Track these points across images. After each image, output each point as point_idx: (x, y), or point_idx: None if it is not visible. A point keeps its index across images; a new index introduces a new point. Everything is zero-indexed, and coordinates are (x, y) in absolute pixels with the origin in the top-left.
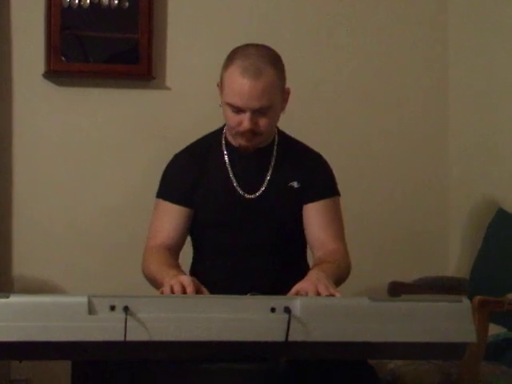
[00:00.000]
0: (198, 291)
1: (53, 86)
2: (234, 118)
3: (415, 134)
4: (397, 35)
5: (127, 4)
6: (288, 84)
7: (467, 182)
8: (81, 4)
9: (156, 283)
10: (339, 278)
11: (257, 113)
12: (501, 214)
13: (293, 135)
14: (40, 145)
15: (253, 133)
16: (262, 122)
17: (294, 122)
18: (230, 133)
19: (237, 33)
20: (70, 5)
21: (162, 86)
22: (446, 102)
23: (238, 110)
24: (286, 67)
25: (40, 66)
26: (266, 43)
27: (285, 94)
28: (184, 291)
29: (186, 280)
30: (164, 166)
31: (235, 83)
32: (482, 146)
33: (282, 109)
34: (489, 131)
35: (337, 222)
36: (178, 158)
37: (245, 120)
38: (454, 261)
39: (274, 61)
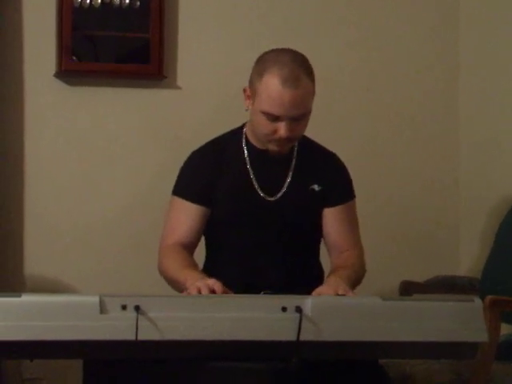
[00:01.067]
0: (225, 293)
1: (64, 86)
2: (268, 126)
3: (426, 132)
4: (408, 33)
5: (138, 3)
6: None
7: (479, 180)
8: (92, 4)
9: (176, 283)
10: (356, 282)
11: (293, 120)
12: None
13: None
14: (51, 144)
15: (289, 140)
16: (298, 129)
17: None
18: (258, 137)
19: (247, 32)
20: (82, 4)
21: (173, 86)
22: (456, 98)
23: (275, 119)
24: None
25: (51, 65)
26: (277, 42)
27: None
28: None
29: (214, 283)
30: (175, 165)
31: (274, 92)
32: (493, 143)
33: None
34: (500, 127)
35: (354, 225)
36: (195, 155)
37: (281, 128)
38: (466, 260)
39: (308, 68)
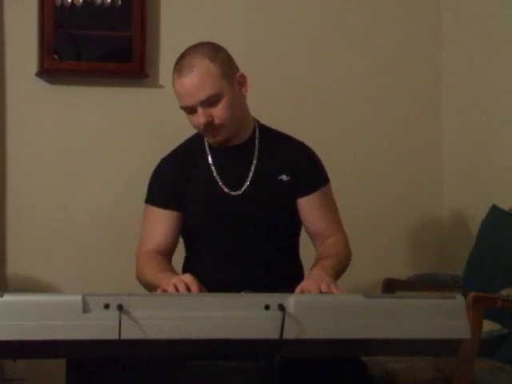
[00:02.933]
0: (200, 289)
1: (46, 85)
2: (192, 120)
3: (409, 132)
4: (390, 40)
5: (120, 2)
6: (283, 85)
7: (461, 179)
8: (74, 2)
9: (153, 288)
10: (341, 271)
11: (206, 105)
12: (494, 210)
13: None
14: (33, 143)
15: (213, 126)
16: (216, 113)
17: (289, 122)
18: (202, 134)
19: (230, 31)
20: (63, 3)
21: (155, 84)
22: (438, 100)
23: (191, 111)
24: (281, 69)
25: (33, 64)
26: (261, 43)
27: (236, 79)
28: (188, 290)
29: (189, 279)
30: (157, 164)
31: (176, 86)
32: (475, 143)
33: (241, 96)
34: (482, 128)
35: (333, 209)
36: (163, 162)
37: (199, 117)
38: (448, 257)
39: (210, 52)
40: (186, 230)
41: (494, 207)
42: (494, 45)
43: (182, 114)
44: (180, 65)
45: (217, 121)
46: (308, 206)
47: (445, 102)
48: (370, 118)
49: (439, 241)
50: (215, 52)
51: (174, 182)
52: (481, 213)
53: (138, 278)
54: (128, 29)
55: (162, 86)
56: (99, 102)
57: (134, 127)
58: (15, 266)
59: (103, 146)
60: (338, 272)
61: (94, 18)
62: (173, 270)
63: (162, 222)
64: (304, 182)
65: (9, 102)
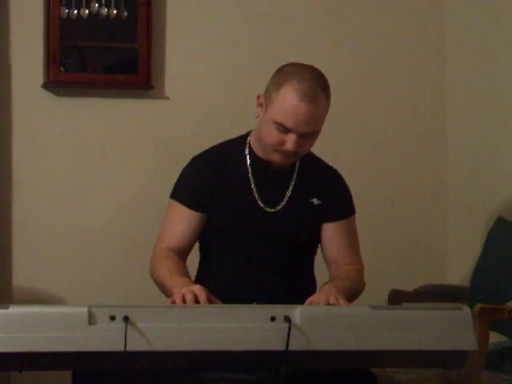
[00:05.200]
0: (209, 300)
1: (52, 97)
2: (277, 137)
3: (414, 144)
4: (394, 41)
5: (126, 14)
6: None
7: (467, 190)
8: (79, 14)
9: (165, 289)
10: (352, 294)
11: (303, 136)
12: (500, 222)
13: None
14: (39, 155)
15: (294, 154)
16: (305, 145)
17: None
18: (263, 147)
19: (235, 43)
20: (69, 15)
21: (160, 96)
22: (444, 113)
23: (285, 131)
24: None
25: (39, 76)
26: (264, 52)
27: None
28: (196, 300)
29: (198, 289)
30: (163, 175)
31: (290, 105)
32: (481, 154)
33: None
34: (488, 139)
35: (354, 241)
36: (197, 160)
37: (290, 141)
38: (454, 269)
39: (326, 86)
40: (207, 234)
41: (501, 219)
42: (500, 42)
43: (188, 125)
44: (300, 86)
45: (300, 152)
46: (331, 233)
47: (450, 111)
48: (372, 130)
49: (445, 252)
50: (328, 88)
51: (206, 183)
52: (487, 224)
53: (152, 274)
54: (134, 40)
55: (167, 98)
56: (105, 114)
57: (139, 139)
58: (21, 277)
59: (109, 158)
60: (349, 295)
61: (99, 29)
62: (187, 273)
63: (185, 221)
64: (332, 208)
65: (15, 113)
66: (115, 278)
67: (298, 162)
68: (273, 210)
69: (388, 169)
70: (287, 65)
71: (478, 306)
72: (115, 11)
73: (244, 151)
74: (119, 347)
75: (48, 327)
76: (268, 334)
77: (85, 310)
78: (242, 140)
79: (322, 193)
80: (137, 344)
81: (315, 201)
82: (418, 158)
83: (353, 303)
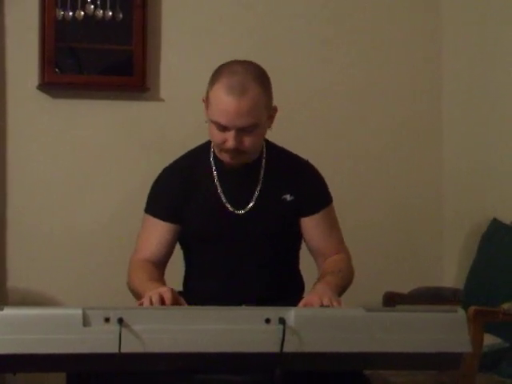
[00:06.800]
0: (175, 301)
1: (47, 98)
2: (218, 136)
3: (409, 146)
4: (390, 38)
5: (121, 16)
6: (280, 87)
7: (461, 192)
8: (75, 16)
9: (138, 296)
10: (344, 287)
11: (242, 131)
12: (495, 224)
13: (284, 139)
14: (34, 157)
15: (238, 151)
16: (247, 141)
17: (285, 126)
18: (215, 149)
19: (230, 44)
20: (64, 17)
21: (156, 98)
22: (439, 116)
23: (223, 129)
24: (279, 72)
25: (34, 78)
26: (259, 54)
27: (271, 112)
28: (162, 301)
29: (164, 291)
30: None
31: (220, 101)
32: (476, 157)
33: (269, 126)
34: (483, 141)
35: (336, 229)
36: (165, 173)
37: (230, 139)
38: (449, 271)
39: (260, 78)
40: (185, 243)
41: (495, 221)
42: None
43: (183, 127)
44: (230, 81)
45: (244, 148)
46: (311, 226)
47: (446, 113)
48: (369, 133)
49: (440, 254)
50: (266, 79)
51: (176, 194)
52: (482, 226)
53: (128, 284)
54: (129, 42)
55: (162, 100)
56: (100, 116)
57: (134, 140)
58: (16, 279)
59: (104, 159)
60: (342, 288)
61: (95, 31)
62: (161, 280)
63: (159, 233)
64: (307, 202)
65: (10, 115)
66: (110, 279)
67: (263, 159)
68: (242, 212)
69: (383, 171)
70: (224, 63)
71: (473, 308)
72: (110, 13)
73: (209, 157)
74: (113, 349)
75: (43, 329)
76: (262, 336)
77: (79, 311)
78: (205, 146)
79: (293, 188)
80: (131, 346)
81: (288, 197)
82: (413, 161)
83: (348, 304)
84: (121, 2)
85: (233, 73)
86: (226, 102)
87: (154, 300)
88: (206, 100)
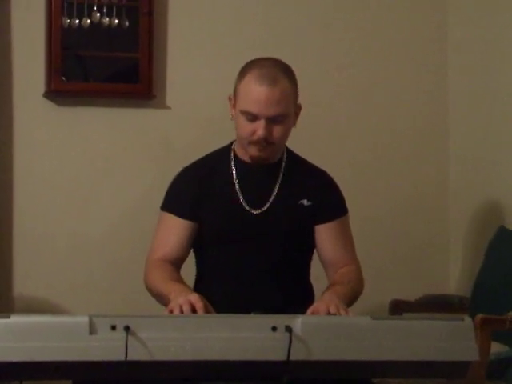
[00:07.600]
0: (206, 310)
1: (53, 106)
2: (248, 127)
3: (415, 149)
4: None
5: (127, 23)
6: None
7: (468, 199)
8: (81, 24)
9: (160, 296)
10: (352, 299)
11: (271, 121)
12: (502, 231)
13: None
14: (40, 164)
15: (266, 142)
16: (276, 131)
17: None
18: (241, 144)
19: (236, 52)
20: (71, 25)
21: (162, 105)
22: (445, 121)
23: (253, 118)
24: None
25: (40, 85)
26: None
27: (297, 109)
28: (193, 310)
29: (194, 298)
30: (164, 184)
31: (252, 91)
32: (483, 164)
33: (294, 123)
34: (490, 148)
35: (349, 240)
36: (185, 171)
37: (260, 128)
38: (456, 279)
39: (288, 71)
40: (199, 242)
41: (502, 228)
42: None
43: (189, 134)
44: (261, 72)
45: (272, 139)
46: (325, 234)
47: (452, 118)
48: (374, 138)
49: (447, 262)
50: (293, 75)
51: (194, 192)
52: (489, 234)
53: (147, 284)
54: (135, 50)
55: (168, 107)
56: (106, 123)
57: (140, 148)
58: (22, 286)
59: (110, 167)
60: (349, 299)
61: (101, 39)
62: (182, 280)
63: (176, 230)
64: (324, 209)
65: (16, 122)
66: (116, 286)
67: (283, 164)
68: (258, 212)
69: (388, 177)
70: (250, 60)
71: (480, 316)
72: (117, 21)
73: (229, 158)
74: (120, 357)
75: (49, 337)
76: (269, 344)
77: (86, 319)
78: (226, 148)
79: (311, 194)
80: (138, 354)
81: (305, 202)
82: (419, 167)
83: (354, 312)
84: (127, 9)
85: (262, 65)
86: (258, 91)
87: (184, 309)
88: (234, 96)
